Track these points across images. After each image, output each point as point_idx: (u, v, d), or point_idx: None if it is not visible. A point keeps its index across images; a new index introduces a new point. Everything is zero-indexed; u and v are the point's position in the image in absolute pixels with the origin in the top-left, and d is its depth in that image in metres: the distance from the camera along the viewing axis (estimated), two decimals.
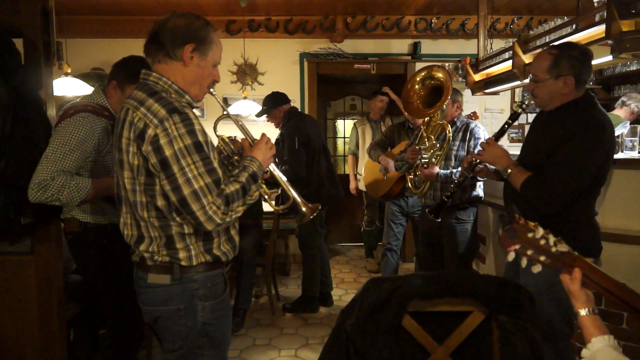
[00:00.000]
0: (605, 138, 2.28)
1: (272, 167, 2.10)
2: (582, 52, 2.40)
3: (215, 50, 1.85)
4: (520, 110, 2.59)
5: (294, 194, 2.19)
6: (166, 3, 5.58)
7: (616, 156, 3.48)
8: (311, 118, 4.92)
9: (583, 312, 1.40)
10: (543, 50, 2.61)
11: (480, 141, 3.42)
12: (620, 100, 5.20)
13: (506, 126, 2.66)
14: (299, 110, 6.41)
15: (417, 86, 3.42)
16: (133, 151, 1.70)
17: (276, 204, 2.34)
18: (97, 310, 3.02)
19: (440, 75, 3.34)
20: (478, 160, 2.76)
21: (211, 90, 1.95)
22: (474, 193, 3.56)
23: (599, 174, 2.34)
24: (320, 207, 2.29)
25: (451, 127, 3.63)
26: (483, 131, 3.59)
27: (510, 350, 1.86)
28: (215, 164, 1.74)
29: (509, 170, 2.45)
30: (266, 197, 2.20)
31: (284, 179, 2.18)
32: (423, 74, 3.40)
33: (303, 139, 4.38)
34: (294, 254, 6.27)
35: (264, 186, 2.15)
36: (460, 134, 3.60)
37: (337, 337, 2.03)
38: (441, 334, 2.00)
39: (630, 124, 4.84)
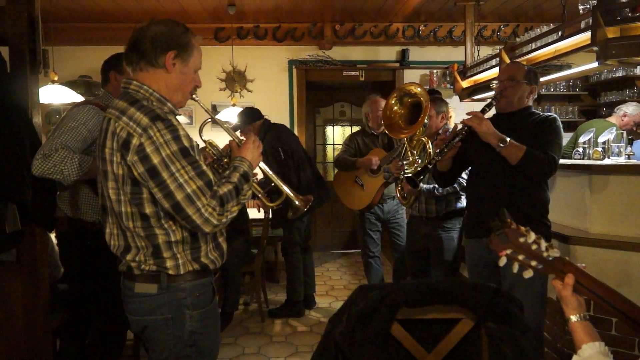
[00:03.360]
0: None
1: (262, 165, 2.09)
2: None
3: (196, 56, 1.85)
4: (495, 102, 2.83)
5: (285, 188, 2.18)
6: (153, 11, 5.58)
7: (603, 162, 3.52)
8: (287, 128, 4.91)
9: (574, 317, 1.39)
10: (514, 61, 3.22)
11: None
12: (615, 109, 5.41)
13: (485, 111, 2.80)
14: (288, 117, 6.47)
15: (395, 107, 3.41)
16: (117, 161, 1.69)
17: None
18: (83, 319, 2.99)
19: (416, 90, 3.33)
20: (463, 131, 2.78)
21: (194, 96, 1.94)
22: (459, 205, 3.57)
23: None
24: (312, 199, 2.29)
25: (435, 139, 3.62)
26: None
27: (499, 357, 1.86)
28: (205, 167, 1.73)
29: (506, 142, 2.61)
30: (259, 195, 2.20)
31: (275, 176, 2.18)
32: (395, 94, 3.40)
33: (286, 148, 4.45)
34: (283, 261, 6.25)
35: (256, 185, 2.15)
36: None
37: (326, 346, 2.02)
38: (430, 341, 1.99)
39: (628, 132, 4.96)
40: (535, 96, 2.87)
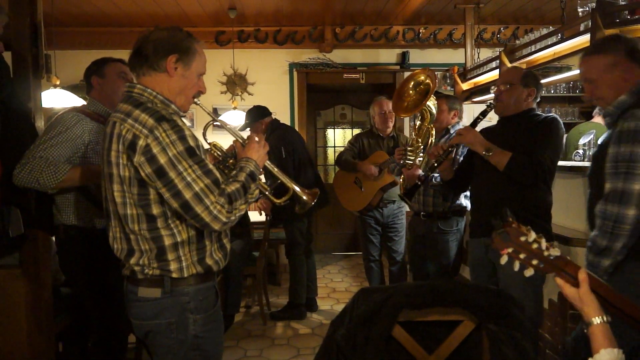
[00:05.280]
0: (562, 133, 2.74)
1: (267, 163, 2.11)
2: (538, 77, 2.94)
3: (198, 61, 1.87)
4: (489, 109, 2.87)
5: (292, 184, 2.20)
6: (155, 15, 5.60)
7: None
8: (294, 129, 4.99)
9: (597, 320, 1.33)
10: (513, 66, 3.27)
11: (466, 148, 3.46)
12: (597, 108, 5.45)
13: (478, 120, 2.91)
14: (289, 119, 6.49)
15: (411, 91, 3.44)
16: (123, 163, 1.70)
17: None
18: (86, 322, 3.00)
19: (428, 81, 3.36)
20: (450, 147, 2.92)
21: (196, 100, 1.96)
22: (457, 202, 3.57)
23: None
24: (319, 192, 2.31)
25: (444, 134, 3.64)
26: None
27: (500, 359, 1.87)
28: (211, 166, 1.74)
29: (492, 152, 2.69)
30: (266, 193, 2.21)
31: (280, 172, 2.19)
32: (412, 82, 3.42)
33: (289, 148, 4.49)
34: (284, 264, 6.26)
35: (263, 183, 2.16)
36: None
37: (327, 348, 2.03)
38: (431, 343, 2.00)
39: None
40: (538, 99, 2.87)
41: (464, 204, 3.63)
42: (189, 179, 1.66)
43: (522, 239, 1.37)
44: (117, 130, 1.72)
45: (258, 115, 4.62)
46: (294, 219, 4.58)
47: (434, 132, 3.42)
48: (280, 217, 4.72)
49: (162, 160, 1.65)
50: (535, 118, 2.79)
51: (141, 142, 1.65)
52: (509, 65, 3.91)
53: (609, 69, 2.08)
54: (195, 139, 1.75)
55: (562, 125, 2.74)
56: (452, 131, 3.66)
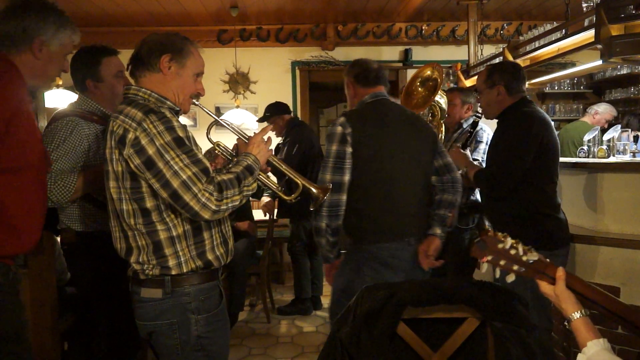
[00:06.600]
0: (533, 130, 2.63)
1: (274, 159, 2.10)
2: (512, 66, 2.92)
3: (193, 61, 1.88)
4: (477, 119, 3.02)
5: (300, 179, 2.19)
6: (156, 14, 5.60)
7: (608, 160, 3.51)
8: (311, 129, 5.07)
9: (576, 315, 1.37)
10: (480, 71, 3.31)
11: (482, 145, 3.43)
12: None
13: (468, 134, 3.11)
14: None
15: (420, 88, 3.44)
16: (116, 158, 1.72)
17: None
18: (91, 322, 3.00)
19: (434, 75, 3.37)
20: None
21: (194, 100, 1.96)
22: (472, 198, 3.54)
23: (539, 164, 2.65)
24: (330, 187, 2.32)
25: (457, 129, 3.62)
26: (488, 134, 3.50)
27: (505, 356, 1.86)
28: (200, 156, 1.74)
29: (465, 169, 2.90)
30: (277, 190, 2.21)
31: (288, 169, 2.18)
32: (419, 79, 3.43)
33: (306, 147, 4.54)
34: (288, 262, 6.25)
35: (272, 180, 2.15)
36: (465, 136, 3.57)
37: (332, 346, 2.02)
38: (436, 340, 1.99)
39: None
40: (513, 90, 2.76)
41: (480, 200, 3.61)
42: (176, 167, 1.67)
43: (500, 246, 1.40)
44: (110, 127, 1.75)
45: (279, 110, 4.70)
46: (302, 216, 4.60)
47: (443, 129, 3.43)
48: (288, 212, 4.75)
49: (151, 151, 1.66)
50: (510, 116, 2.75)
51: (130, 135, 1.67)
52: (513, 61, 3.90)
53: (347, 87, 2.75)
54: (186, 130, 1.76)
55: (533, 120, 2.65)
56: (464, 125, 3.61)
